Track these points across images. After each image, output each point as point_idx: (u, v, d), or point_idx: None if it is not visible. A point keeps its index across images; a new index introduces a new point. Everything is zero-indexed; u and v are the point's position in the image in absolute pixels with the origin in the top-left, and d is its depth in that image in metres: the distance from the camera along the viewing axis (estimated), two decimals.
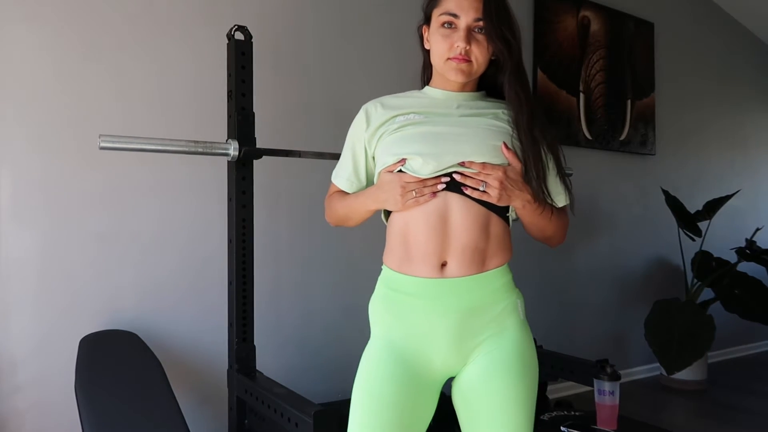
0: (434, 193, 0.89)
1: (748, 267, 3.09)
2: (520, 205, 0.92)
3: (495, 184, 0.88)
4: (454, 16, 0.91)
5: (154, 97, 1.81)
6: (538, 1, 2.70)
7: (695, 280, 3.01)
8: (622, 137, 3.02)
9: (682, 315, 2.70)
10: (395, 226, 0.94)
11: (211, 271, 1.87)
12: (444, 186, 0.89)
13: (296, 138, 2.01)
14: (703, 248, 3.03)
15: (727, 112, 3.62)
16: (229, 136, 1.54)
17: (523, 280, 2.96)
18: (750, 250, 3.03)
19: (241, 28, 1.54)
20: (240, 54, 1.53)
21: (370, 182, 1.01)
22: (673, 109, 3.29)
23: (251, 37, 1.55)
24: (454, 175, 0.89)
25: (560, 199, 0.98)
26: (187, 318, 1.84)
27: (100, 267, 1.72)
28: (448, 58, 0.92)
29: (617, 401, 1.43)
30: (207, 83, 1.87)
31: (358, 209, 0.99)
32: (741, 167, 3.67)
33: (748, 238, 3.17)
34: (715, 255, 3.05)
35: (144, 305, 1.78)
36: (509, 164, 0.91)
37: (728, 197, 2.98)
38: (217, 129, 1.82)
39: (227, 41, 1.56)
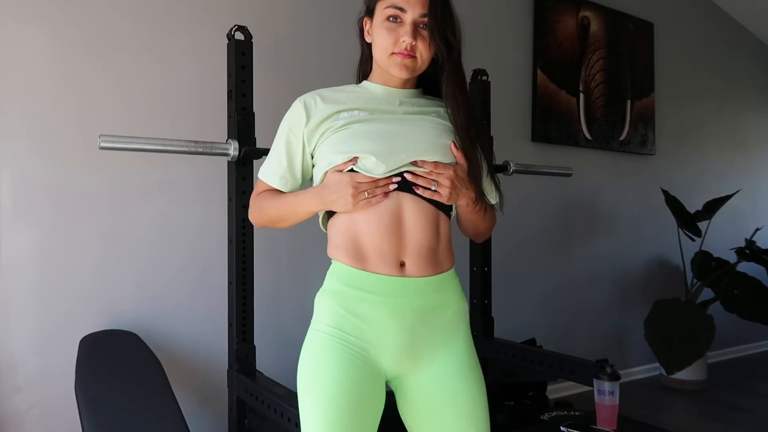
0: (386, 193, 0.87)
1: (747, 267, 3.09)
2: (465, 203, 0.91)
3: (446, 183, 0.87)
4: (401, 10, 0.88)
5: (155, 97, 1.81)
6: (538, 1, 2.70)
7: (695, 280, 3.02)
8: (622, 137, 3.02)
9: (682, 315, 2.70)
10: (341, 225, 0.90)
11: (211, 272, 1.87)
12: (396, 186, 0.87)
13: None
14: (702, 248, 3.03)
15: (727, 112, 3.62)
16: (229, 136, 1.53)
17: (523, 280, 2.96)
18: (750, 250, 3.03)
19: (241, 28, 1.54)
20: (240, 54, 1.53)
21: (305, 181, 0.97)
22: (673, 109, 3.30)
23: (251, 37, 1.55)
24: (405, 175, 0.88)
25: (492, 197, 0.99)
26: (187, 318, 1.84)
27: (101, 267, 1.72)
28: (393, 53, 0.90)
29: (617, 401, 1.43)
30: (207, 83, 1.87)
31: (297, 210, 0.93)
32: (741, 167, 3.67)
33: (748, 238, 3.17)
34: (714, 255, 3.06)
35: (144, 305, 1.78)
36: (457, 163, 0.90)
37: (728, 197, 2.98)
38: (218, 129, 1.82)
39: (227, 41, 1.56)
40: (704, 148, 3.47)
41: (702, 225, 3.02)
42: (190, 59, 1.87)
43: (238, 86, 1.52)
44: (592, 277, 2.94)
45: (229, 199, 1.56)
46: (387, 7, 0.90)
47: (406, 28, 0.89)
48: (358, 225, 0.88)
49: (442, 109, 0.96)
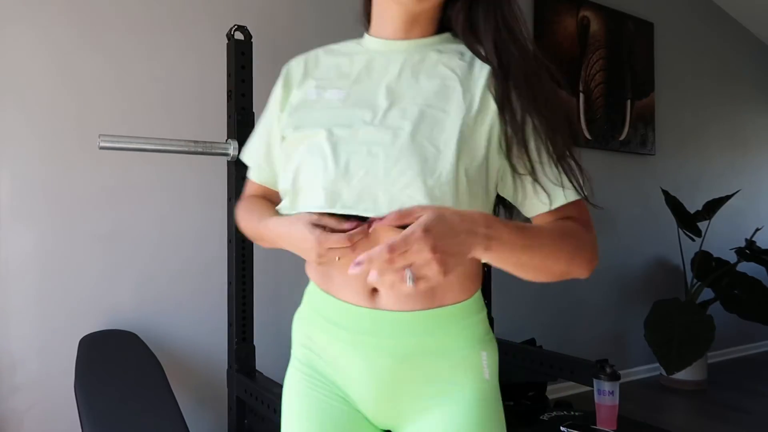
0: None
1: (747, 267, 3.09)
2: (482, 255, 0.55)
3: (426, 257, 0.49)
4: None
5: (155, 96, 1.81)
6: (538, 1, 2.70)
7: (695, 280, 3.01)
8: (622, 137, 3.02)
9: (682, 315, 2.70)
10: None
11: (211, 272, 1.87)
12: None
13: None
14: (702, 248, 3.03)
15: (728, 113, 3.62)
16: (229, 136, 1.54)
17: (521, 280, 2.97)
18: (750, 250, 3.03)
19: (241, 28, 1.54)
20: (240, 54, 1.53)
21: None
22: (673, 109, 3.30)
23: (251, 37, 1.55)
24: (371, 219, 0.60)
25: (557, 197, 0.64)
26: (187, 318, 1.84)
27: (101, 267, 1.72)
28: None
29: (617, 401, 1.43)
30: (207, 83, 1.87)
31: (269, 242, 0.72)
32: (741, 167, 3.67)
33: (748, 238, 3.17)
34: (715, 255, 3.05)
35: (144, 306, 1.78)
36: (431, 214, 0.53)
37: (728, 197, 2.98)
38: (218, 129, 1.82)
39: (227, 41, 1.56)
40: (704, 148, 3.47)
41: (702, 225, 3.02)
42: (189, 59, 1.87)
43: (238, 86, 1.52)
44: (592, 277, 2.91)
45: (229, 199, 1.56)
46: None
47: None
48: None
49: (476, 67, 0.65)
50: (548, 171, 0.64)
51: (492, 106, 0.63)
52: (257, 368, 1.55)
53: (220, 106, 1.74)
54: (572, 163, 0.65)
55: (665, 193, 2.98)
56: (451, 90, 0.64)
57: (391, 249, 0.48)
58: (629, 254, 3.09)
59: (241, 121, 1.51)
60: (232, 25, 1.55)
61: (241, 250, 1.52)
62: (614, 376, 1.40)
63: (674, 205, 2.96)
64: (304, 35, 2.09)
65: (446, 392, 0.64)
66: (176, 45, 1.85)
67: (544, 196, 0.64)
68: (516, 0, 0.66)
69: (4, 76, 1.61)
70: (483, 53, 0.65)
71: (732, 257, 3.10)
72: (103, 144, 1.31)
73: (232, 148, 1.49)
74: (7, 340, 1.60)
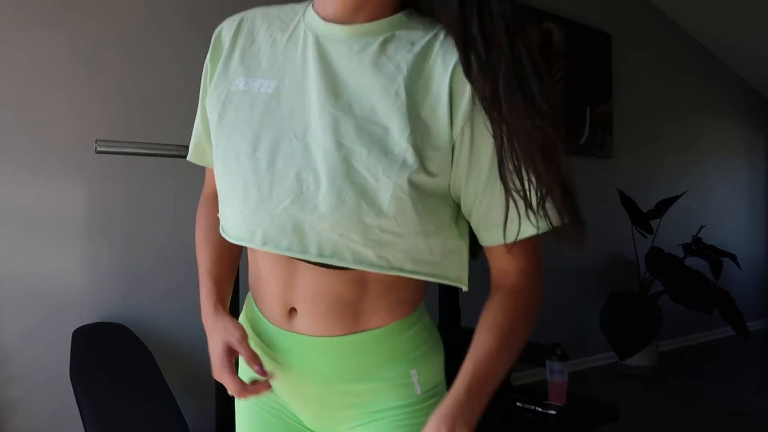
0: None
1: (693, 261, 3.34)
2: None
3: None
4: None
5: (149, 103, 1.89)
6: None
7: (648, 274, 3.25)
8: (582, 141, 3.23)
9: (634, 306, 2.92)
10: None
11: (197, 266, 1.96)
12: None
13: None
14: (654, 244, 3.27)
15: (679, 119, 3.88)
16: None
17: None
18: (695, 246, 3.28)
19: None
20: None
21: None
22: (630, 115, 3.52)
23: None
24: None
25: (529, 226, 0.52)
26: (174, 310, 1.93)
27: (90, 262, 1.80)
28: None
29: (566, 379, 1.60)
30: (197, 91, 1.96)
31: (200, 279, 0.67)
32: (690, 169, 3.94)
33: (695, 234, 3.43)
34: (666, 251, 3.30)
35: (133, 300, 1.87)
36: None
37: (677, 197, 3.23)
38: None
39: None
40: (657, 151, 3.72)
41: (654, 223, 3.26)
42: (182, 67, 1.95)
43: None
44: (554, 272, 3.14)
45: None
46: None
47: None
48: (255, 251, 0.61)
49: (433, 49, 0.51)
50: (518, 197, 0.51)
51: (455, 117, 0.49)
52: None
53: None
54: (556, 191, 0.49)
55: (621, 193, 3.20)
56: (394, 98, 0.50)
57: None
58: (588, 250, 3.30)
59: None
60: None
61: None
62: (563, 357, 1.57)
63: (629, 204, 3.19)
64: None
65: (375, 414, 0.59)
66: (170, 53, 1.93)
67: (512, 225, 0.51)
68: None
69: (1, 81, 1.68)
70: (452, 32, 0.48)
71: (681, 252, 3.35)
72: (99, 148, 1.40)
73: None
74: (1, 332, 1.66)
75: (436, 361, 0.62)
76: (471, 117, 0.49)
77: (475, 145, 0.49)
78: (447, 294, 2.08)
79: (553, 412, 1.57)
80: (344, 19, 0.54)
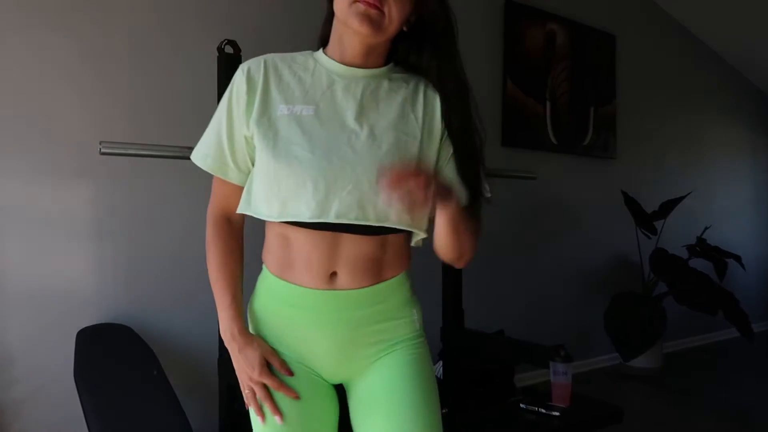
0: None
1: (698, 263, 3.34)
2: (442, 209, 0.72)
3: (422, 186, 0.68)
4: None
5: (152, 105, 1.91)
6: (507, 15, 2.88)
7: (651, 275, 3.24)
8: (586, 142, 3.23)
9: (638, 307, 2.92)
10: (274, 228, 0.80)
11: (200, 268, 1.97)
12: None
13: None
14: (658, 245, 3.26)
15: (683, 119, 3.87)
16: None
17: (493, 276, 3.12)
18: (699, 248, 3.28)
19: (231, 42, 1.64)
20: (230, 66, 1.63)
21: (251, 167, 0.80)
22: (633, 115, 3.52)
23: (240, 50, 1.66)
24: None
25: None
26: (178, 312, 1.95)
27: (95, 263, 1.81)
28: (355, 1, 0.72)
29: (570, 381, 1.60)
30: (201, 93, 1.96)
31: (216, 300, 0.83)
32: (694, 170, 3.93)
33: (699, 236, 3.42)
34: (670, 252, 3.29)
35: (137, 300, 1.88)
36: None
37: (681, 198, 3.22)
38: None
39: (218, 54, 1.66)
40: (661, 152, 3.71)
41: (658, 224, 3.25)
42: (184, 71, 1.96)
43: None
44: (558, 273, 3.13)
45: None
46: None
47: None
48: (288, 232, 0.78)
49: (420, 91, 0.80)
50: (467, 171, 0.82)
51: (439, 127, 0.81)
52: None
53: (212, 114, 1.85)
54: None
55: (624, 194, 3.19)
56: (407, 116, 0.79)
57: (416, 171, 0.69)
58: (592, 251, 3.30)
59: None
60: (222, 39, 1.65)
61: None
62: (567, 358, 1.57)
63: (633, 205, 3.18)
64: (289, 48, 2.20)
65: (390, 345, 0.81)
66: (171, 58, 1.94)
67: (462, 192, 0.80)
68: (454, 40, 0.80)
69: (4, 84, 1.69)
70: (431, 82, 0.82)
71: (685, 254, 3.34)
72: (104, 150, 1.41)
73: None
74: (5, 334, 1.68)
75: (421, 305, 0.87)
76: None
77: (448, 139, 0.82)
78: (450, 296, 2.09)
79: (557, 413, 1.57)
80: (359, 63, 0.79)
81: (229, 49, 1.64)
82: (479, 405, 1.94)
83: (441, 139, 0.81)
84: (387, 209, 0.75)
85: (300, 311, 0.78)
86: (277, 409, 0.76)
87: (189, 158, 1.56)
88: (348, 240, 0.76)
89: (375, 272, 0.79)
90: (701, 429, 2.38)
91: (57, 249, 1.76)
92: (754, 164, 4.49)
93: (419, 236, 0.83)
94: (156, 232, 1.92)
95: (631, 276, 3.40)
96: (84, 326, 1.74)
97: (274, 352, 0.79)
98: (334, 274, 0.77)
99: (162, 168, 1.92)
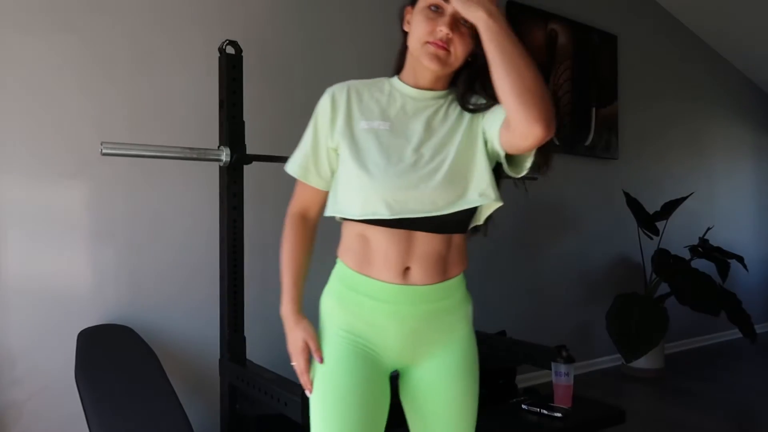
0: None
1: (700, 263, 3.33)
2: (486, 15, 0.79)
3: None
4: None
5: (153, 106, 1.91)
6: (509, 15, 2.87)
7: (654, 276, 3.24)
8: (587, 143, 3.23)
9: (640, 308, 2.91)
10: (354, 228, 0.91)
11: (202, 269, 1.98)
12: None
13: (283, 144, 2.14)
14: (660, 246, 3.26)
15: (685, 120, 3.87)
16: (221, 142, 1.64)
17: (496, 277, 3.10)
18: (702, 248, 3.27)
19: (232, 42, 1.65)
20: (231, 66, 1.64)
21: (332, 173, 0.95)
22: (635, 116, 3.52)
23: (241, 50, 1.66)
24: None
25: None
26: (180, 313, 1.95)
27: (96, 265, 1.82)
28: (426, 42, 0.87)
29: (572, 382, 1.60)
30: (202, 94, 1.97)
31: (282, 279, 0.97)
32: (696, 171, 3.93)
33: (701, 236, 3.41)
34: (672, 252, 3.28)
35: (139, 301, 1.88)
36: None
37: (683, 199, 3.21)
38: (211, 136, 1.92)
39: (219, 54, 1.67)
40: (663, 153, 3.70)
41: (660, 225, 3.25)
42: (185, 71, 1.97)
43: (229, 96, 1.63)
44: (560, 274, 3.13)
45: (221, 201, 1.67)
46: None
47: (445, 19, 0.86)
48: (367, 231, 0.89)
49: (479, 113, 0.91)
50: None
51: (481, 129, 0.93)
52: (247, 357, 1.67)
53: (213, 115, 1.85)
54: None
55: (626, 194, 3.19)
56: (459, 128, 0.93)
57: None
58: (594, 252, 3.30)
59: (232, 129, 1.62)
60: (223, 40, 1.66)
61: (232, 248, 1.63)
62: (569, 359, 1.57)
63: (635, 206, 3.18)
64: (290, 49, 2.21)
65: (449, 336, 0.94)
66: (173, 58, 1.95)
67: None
68: None
69: (6, 85, 1.69)
70: (481, 103, 0.94)
71: (687, 254, 3.33)
72: (105, 150, 1.42)
73: (224, 154, 1.60)
74: (7, 335, 1.68)
75: (472, 303, 1.00)
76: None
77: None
78: None
79: (559, 414, 1.57)
80: (428, 87, 0.93)
81: (230, 50, 1.65)
82: (481, 406, 1.94)
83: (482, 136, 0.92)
84: (451, 200, 0.88)
85: (377, 303, 0.89)
86: (309, 384, 0.91)
87: (190, 158, 1.58)
88: (420, 237, 0.89)
89: (442, 270, 0.91)
90: (704, 430, 2.37)
91: (58, 250, 1.76)
92: (757, 165, 4.48)
93: (482, 216, 0.95)
94: (157, 233, 1.92)
95: (633, 277, 3.40)
96: (85, 327, 1.74)
97: (315, 337, 0.92)
98: (407, 270, 0.89)
99: (163, 169, 1.92)
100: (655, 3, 3.67)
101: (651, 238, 3.27)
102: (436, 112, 0.93)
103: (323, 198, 0.96)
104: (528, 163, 0.89)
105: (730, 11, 3.53)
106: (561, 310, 3.13)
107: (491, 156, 0.91)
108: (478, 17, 0.79)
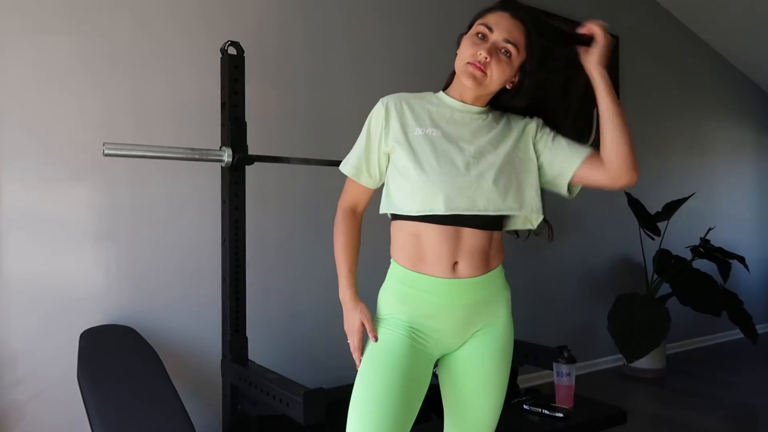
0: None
1: (701, 264, 3.33)
2: (601, 71, 1.05)
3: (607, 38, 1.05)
4: (489, 29, 0.99)
5: (156, 107, 1.91)
6: None
7: (655, 276, 3.23)
8: (589, 143, 3.22)
9: (641, 308, 2.91)
10: (406, 228, 1.02)
11: (204, 270, 1.98)
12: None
13: (284, 145, 2.14)
14: (662, 246, 3.25)
15: (687, 121, 3.86)
16: (223, 143, 1.65)
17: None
18: (703, 249, 3.26)
19: (234, 44, 1.65)
20: (233, 67, 1.64)
21: (381, 176, 1.07)
22: (637, 116, 3.51)
23: (243, 51, 1.67)
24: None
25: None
26: (182, 314, 1.95)
27: (99, 265, 1.82)
28: (468, 62, 0.99)
29: (573, 382, 1.60)
30: (204, 95, 1.97)
31: (337, 266, 1.07)
32: (698, 171, 3.92)
33: (702, 237, 3.41)
34: (674, 253, 3.28)
35: (140, 302, 1.88)
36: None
37: (685, 199, 3.21)
38: (213, 137, 1.93)
39: (221, 55, 1.67)
40: (665, 153, 3.70)
41: (662, 225, 3.24)
42: (187, 72, 1.97)
43: (231, 97, 1.63)
44: (562, 274, 3.13)
45: (223, 202, 1.67)
46: (479, 24, 1.01)
47: (487, 45, 0.98)
48: (420, 229, 1.00)
49: (511, 121, 1.07)
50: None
51: (531, 143, 1.09)
52: (249, 357, 1.67)
53: (215, 115, 1.85)
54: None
55: (628, 195, 3.19)
56: (506, 140, 1.06)
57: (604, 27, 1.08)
58: (596, 252, 3.30)
59: (234, 130, 1.62)
60: (225, 41, 1.66)
61: (234, 249, 1.64)
62: (571, 360, 1.57)
63: (636, 206, 3.17)
64: (292, 50, 2.21)
65: (491, 321, 1.05)
66: (174, 59, 1.95)
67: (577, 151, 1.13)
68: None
69: (7, 86, 1.69)
70: (523, 116, 1.11)
71: (688, 255, 3.33)
72: (107, 151, 1.42)
73: (226, 155, 1.60)
74: (9, 335, 1.68)
75: (510, 290, 1.11)
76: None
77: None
78: None
79: (561, 414, 1.57)
80: (472, 103, 1.05)
81: (232, 50, 1.65)
82: None
83: (534, 139, 1.09)
84: (497, 203, 1.00)
85: (432, 296, 1.00)
86: (359, 360, 1.01)
87: (191, 159, 1.58)
88: (467, 234, 1.00)
89: (485, 263, 1.03)
90: (705, 430, 2.37)
91: (61, 250, 1.76)
92: (758, 165, 4.48)
93: (525, 222, 1.09)
94: (159, 234, 1.93)
95: (634, 277, 3.40)
96: (87, 327, 1.74)
97: (370, 318, 1.03)
98: (456, 264, 1.00)
99: (165, 169, 1.93)
100: (657, 3, 3.66)
101: (652, 239, 3.27)
102: (480, 123, 1.05)
103: (370, 195, 1.09)
104: (578, 190, 1.13)
105: (731, 12, 3.53)
106: (562, 311, 3.13)
107: (543, 179, 1.09)
108: (603, 73, 1.04)
